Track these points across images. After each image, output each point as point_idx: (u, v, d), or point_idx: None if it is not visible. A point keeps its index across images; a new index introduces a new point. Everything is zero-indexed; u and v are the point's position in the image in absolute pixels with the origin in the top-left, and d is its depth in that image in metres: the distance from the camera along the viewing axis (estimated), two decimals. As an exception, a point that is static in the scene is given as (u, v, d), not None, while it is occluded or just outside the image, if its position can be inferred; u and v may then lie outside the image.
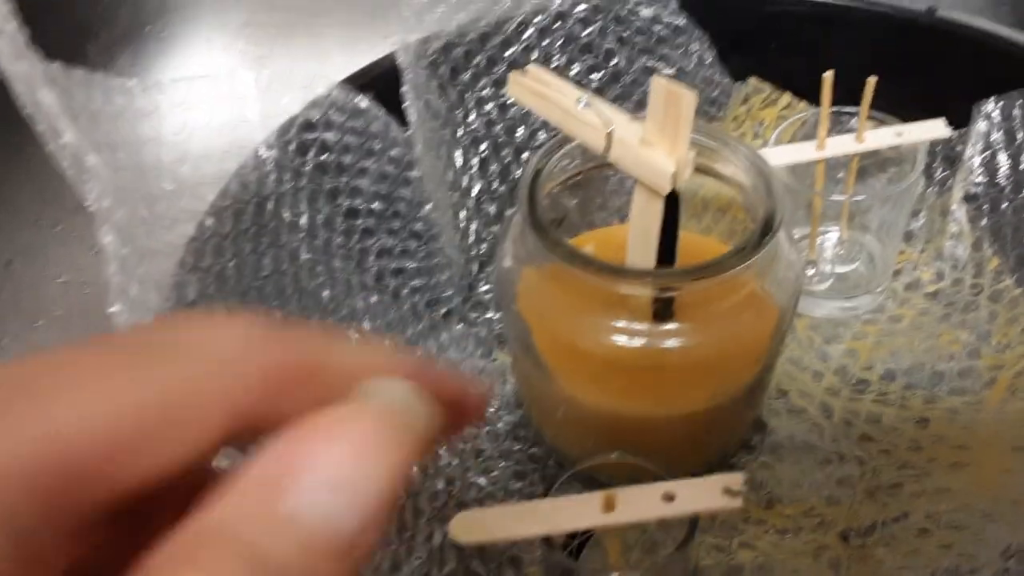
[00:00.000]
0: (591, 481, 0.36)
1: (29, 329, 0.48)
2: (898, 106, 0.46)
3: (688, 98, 0.34)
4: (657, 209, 0.37)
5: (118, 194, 0.33)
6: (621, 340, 0.36)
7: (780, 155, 0.44)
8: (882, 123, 0.45)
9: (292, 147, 0.43)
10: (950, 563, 0.33)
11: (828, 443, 0.42)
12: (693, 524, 0.27)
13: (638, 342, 0.36)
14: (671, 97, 0.35)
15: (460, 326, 0.48)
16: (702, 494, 0.27)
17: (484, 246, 0.50)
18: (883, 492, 0.39)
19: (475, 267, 0.50)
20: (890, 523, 0.37)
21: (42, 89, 0.26)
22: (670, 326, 0.36)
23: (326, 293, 0.42)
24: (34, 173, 0.52)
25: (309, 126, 0.43)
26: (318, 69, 0.55)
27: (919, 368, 0.43)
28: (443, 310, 0.48)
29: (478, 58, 0.49)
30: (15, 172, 0.52)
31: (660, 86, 0.35)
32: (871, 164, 0.49)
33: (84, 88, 0.34)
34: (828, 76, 0.42)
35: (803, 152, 0.44)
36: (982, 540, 0.34)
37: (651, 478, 0.30)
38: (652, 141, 0.36)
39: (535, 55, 0.51)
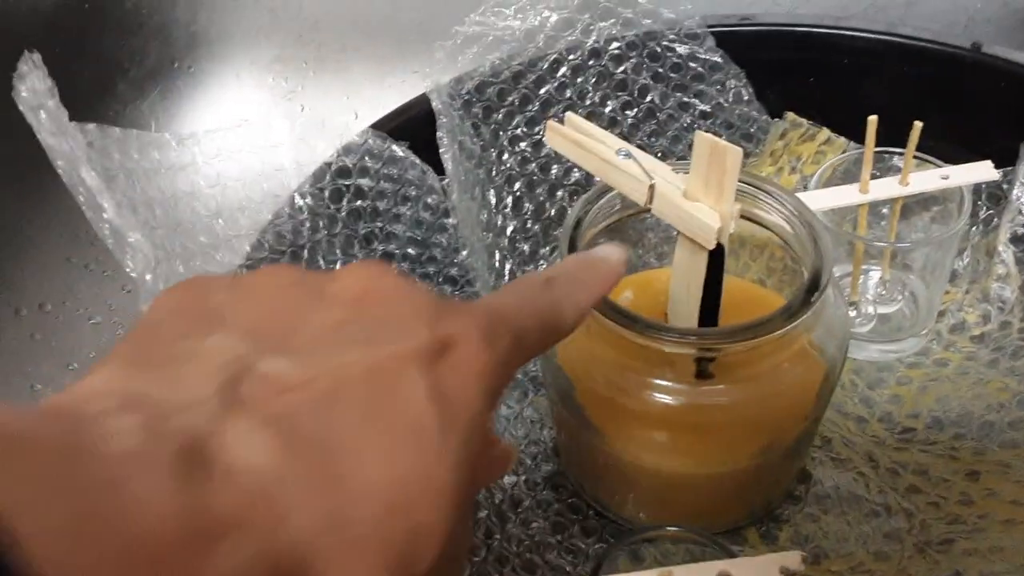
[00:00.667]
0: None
1: (62, 372, 0.48)
2: (940, 141, 0.45)
3: (734, 154, 0.33)
4: (700, 262, 0.36)
5: (155, 252, 0.32)
6: (663, 398, 0.36)
7: (823, 199, 0.43)
8: (925, 163, 0.45)
9: (327, 194, 0.43)
10: (1008, 631, 0.32)
11: (874, 494, 0.41)
12: (750, 607, 0.27)
13: (681, 400, 0.36)
14: (716, 153, 0.34)
15: (495, 369, 0.47)
16: (759, 574, 0.27)
17: (518, 286, 0.49)
18: (933, 548, 0.38)
19: (509, 309, 0.49)
20: (942, 584, 0.36)
21: (84, 167, 0.26)
22: (716, 386, 0.35)
23: (362, 342, 0.42)
24: (63, 212, 0.52)
25: (344, 172, 0.43)
26: (348, 103, 0.55)
27: (967, 417, 0.42)
28: (477, 353, 0.47)
29: (512, 96, 0.49)
30: (44, 212, 0.51)
31: (704, 141, 0.34)
32: (914, 203, 0.48)
33: (120, 146, 0.34)
34: (872, 120, 0.42)
35: (846, 196, 0.44)
36: (1040, 605, 0.33)
37: (702, 545, 0.29)
38: (696, 194, 0.35)
39: (569, 92, 0.50)
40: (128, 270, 0.28)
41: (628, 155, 0.37)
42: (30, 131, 0.32)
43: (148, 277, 0.27)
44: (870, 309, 0.48)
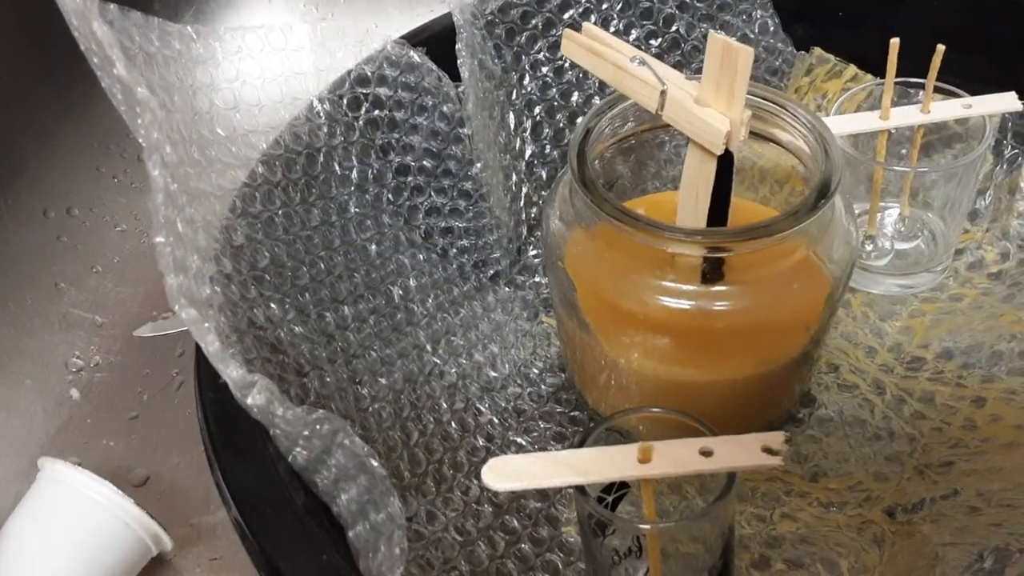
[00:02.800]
0: (628, 437, 0.35)
1: (86, 273, 0.49)
2: (972, 81, 0.44)
3: (745, 54, 0.33)
4: (710, 170, 0.36)
5: (171, 133, 0.33)
6: (667, 301, 0.36)
7: (842, 124, 0.43)
8: (951, 95, 0.44)
9: (345, 101, 0.43)
10: (1000, 541, 0.32)
11: (878, 419, 0.41)
12: (731, 479, 0.27)
13: (685, 304, 0.36)
14: (728, 54, 0.34)
15: (507, 289, 0.48)
16: (740, 451, 0.27)
17: (534, 210, 0.50)
18: (933, 470, 0.38)
19: (524, 230, 0.49)
20: (939, 500, 0.36)
21: (96, 22, 0.27)
22: (718, 288, 0.35)
23: (373, 247, 0.43)
24: (96, 123, 0.53)
25: (363, 80, 0.43)
26: (377, 32, 0.55)
27: (977, 348, 0.42)
28: (491, 272, 0.47)
29: (535, 20, 0.49)
30: (78, 121, 0.53)
31: (716, 42, 0.34)
32: (937, 140, 0.47)
33: (141, 30, 0.35)
34: (895, 42, 0.41)
35: (866, 121, 0.43)
36: (1035, 521, 0.33)
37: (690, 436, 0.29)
38: (707, 100, 0.35)
39: (593, 19, 0.50)
40: (137, 131, 0.29)
41: (642, 62, 0.37)
42: (67, 43, 0.33)
43: (156, 135, 0.27)
44: (887, 244, 0.47)
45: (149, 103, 0.27)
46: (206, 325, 0.27)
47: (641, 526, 0.28)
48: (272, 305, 0.36)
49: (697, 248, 0.35)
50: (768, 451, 0.27)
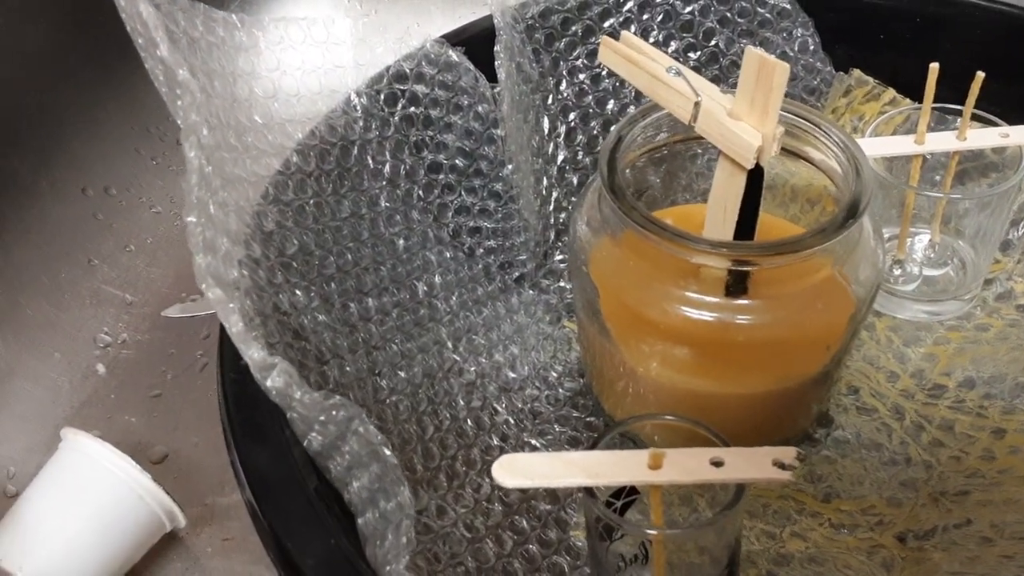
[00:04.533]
0: (642, 444, 0.35)
1: (119, 251, 0.50)
2: (1013, 110, 0.44)
3: (780, 70, 0.33)
4: (739, 183, 0.36)
5: (209, 118, 0.34)
6: (689, 312, 0.36)
7: (876, 146, 0.43)
8: (989, 123, 0.44)
9: (382, 96, 0.44)
10: (1009, 574, 0.31)
11: (896, 444, 0.40)
12: (739, 490, 0.27)
13: (707, 315, 0.36)
14: (764, 69, 0.34)
15: (531, 291, 0.48)
16: (751, 463, 0.27)
17: (563, 215, 0.50)
18: (948, 498, 0.38)
19: (552, 235, 0.49)
20: (951, 528, 0.36)
21: (143, 3, 0.27)
22: (741, 302, 0.35)
23: (401, 242, 0.43)
24: (137, 105, 0.54)
25: (401, 77, 0.44)
26: (419, 31, 0.56)
27: (1000, 379, 0.41)
28: (516, 274, 0.48)
29: (575, 27, 0.49)
30: (120, 103, 0.54)
31: (753, 57, 0.34)
32: (973, 168, 0.47)
33: (187, 16, 0.35)
34: (934, 67, 0.41)
35: (900, 145, 0.43)
36: (1048, 556, 0.33)
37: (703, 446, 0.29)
38: (740, 114, 0.35)
39: (633, 29, 0.50)
40: (176, 113, 0.30)
41: (678, 73, 0.37)
42: (114, 25, 0.33)
43: (194, 116, 0.28)
44: (915, 269, 0.47)
45: (189, 85, 0.28)
46: (231, 306, 0.27)
47: (647, 531, 0.28)
48: (297, 292, 0.37)
49: (722, 260, 0.35)
50: (779, 466, 0.27)
